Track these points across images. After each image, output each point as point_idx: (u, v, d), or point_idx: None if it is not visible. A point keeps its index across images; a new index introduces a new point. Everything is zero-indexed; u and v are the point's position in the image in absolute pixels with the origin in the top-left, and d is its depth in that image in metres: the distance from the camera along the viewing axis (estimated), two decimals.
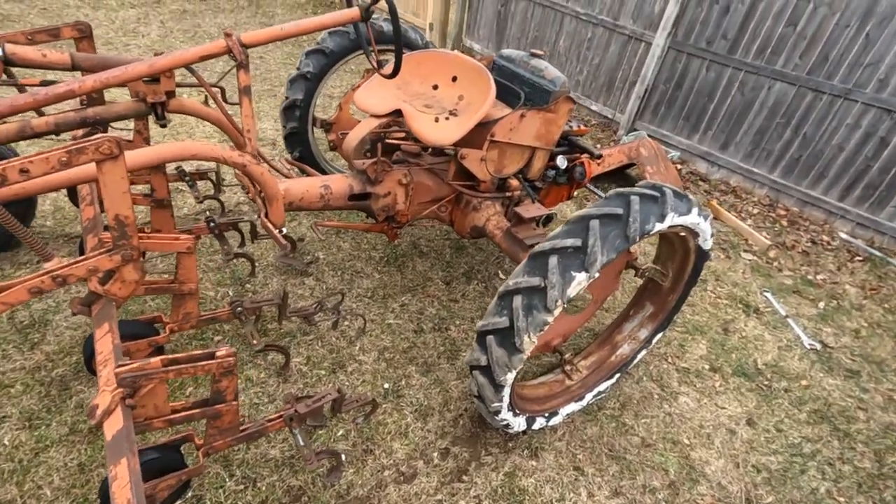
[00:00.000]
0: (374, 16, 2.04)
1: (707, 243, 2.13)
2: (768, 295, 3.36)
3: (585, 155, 2.90)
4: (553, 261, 1.65)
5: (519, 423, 2.07)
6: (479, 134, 2.31)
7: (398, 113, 2.27)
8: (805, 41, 3.94)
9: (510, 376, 1.76)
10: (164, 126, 1.94)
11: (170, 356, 1.29)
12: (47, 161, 1.18)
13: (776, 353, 2.92)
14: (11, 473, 1.75)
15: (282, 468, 1.90)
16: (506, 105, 2.48)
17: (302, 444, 1.68)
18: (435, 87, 2.48)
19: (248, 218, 2.59)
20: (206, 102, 2.07)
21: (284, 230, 2.67)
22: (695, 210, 1.90)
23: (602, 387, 2.41)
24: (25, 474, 1.75)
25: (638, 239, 1.68)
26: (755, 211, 4.34)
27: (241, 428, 1.60)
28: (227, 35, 1.63)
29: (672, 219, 1.78)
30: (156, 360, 1.26)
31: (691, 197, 1.90)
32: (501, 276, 3.11)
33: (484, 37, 6.56)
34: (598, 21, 5.15)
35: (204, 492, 1.78)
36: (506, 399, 1.87)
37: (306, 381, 2.25)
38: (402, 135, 2.49)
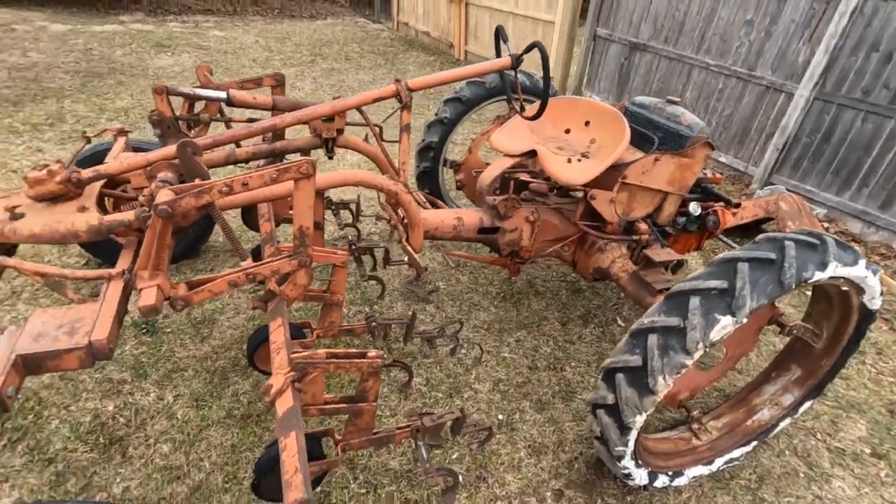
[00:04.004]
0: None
1: (874, 302, 1.91)
2: None
3: (720, 204, 2.77)
4: (695, 301, 1.59)
5: (641, 476, 1.95)
6: (611, 176, 2.34)
7: (531, 154, 2.40)
8: None
9: (639, 419, 1.69)
10: (330, 158, 2.27)
11: (331, 350, 1.47)
12: (262, 177, 1.45)
13: None
14: (181, 444, 2.04)
15: (400, 479, 1.98)
16: (637, 150, 2.50)
17: (424, 457, 1.75)
18: (567, 131, 2.58)
19: (382, 245, 2.84)
20: (365, 139, 2.38)
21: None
22: (862, 262, 1.72)
23: (735, 453, 2.19)
24: (191, 446, 2.03)
25: (794, 286, 1.57)
26: None
27: (374, 431, 1.72)
28: (397, 81, 1.89)
29: (835, 268, 1.64)
30: (321, 351, 1.44)
31: (856, 248, 1.74)
32: (620, 322, 3.01)
33: (604, 89, 6.64)
34: (731, 72, 4.98)
35: (331, 489, 1.92)
36: (631, 444, 1.79)
37: (425, 401, 2.34)
38: (533, 175, 2.60)
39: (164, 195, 1.40)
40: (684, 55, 5.41)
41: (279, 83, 2.33)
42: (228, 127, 2.38)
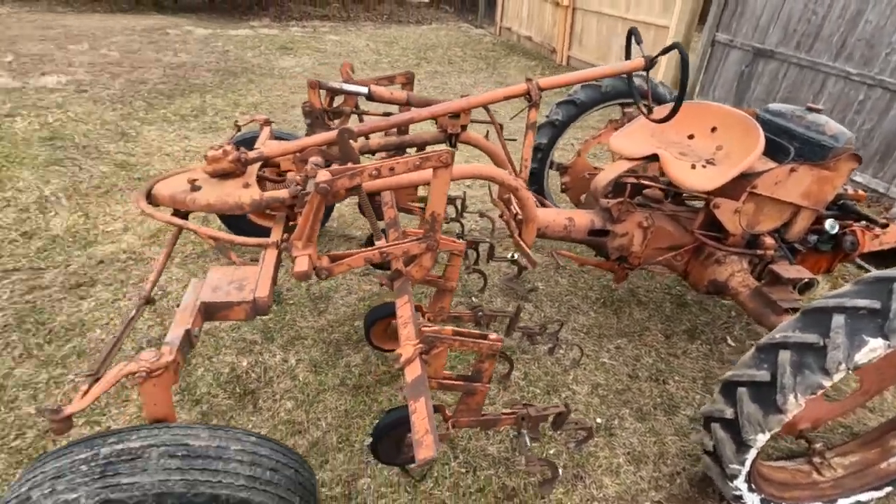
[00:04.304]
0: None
1: None
2: None
3: (861, 223, 2.53)
4: (839, 319, 1.49)
5: (753, 501, 1.84)
6: (738, 185, 2.23)
7: (652, 158, 2.36)
8: None
9: (761, 438, 1.61)
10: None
11: (456, 328, 1.56)
12: (407, 163, 1.59)
13: None
14: (301, 403, 2.26)
15: (498, 465, 2.04)
16: (769, 159, 2.36)
17: (527, 445, 1.79)
18: (691, 137, 2.50)
19: (488, 240, 2.92)
20: (486, 136, 2.48)
21: (516, 256, 2.94)
22: None
23: (863, 496, 2.00)
24: (310, 406, 2.24)
25: None
26: None
27: (482, 413, 1.80)
28: (528, 80, 1.96)
29: None
30: (448, 328, 1.54)
31: None
32: (730, 342, 2.85)
33: (719, 97, 6.25)
34: (875, 82, 4.48)
35: (433, 463, 2.02)
36: (747, 465, 1.70)
37: (522, 395, 2.38)
38: (649, 180, 2.55)
39: (322, 175, 1.58)
40: (819, 62, 4.95)
41: (409, 81, 2.50)
42: (361, 120, 2.60)
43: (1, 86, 5.70)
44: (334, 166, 1.66)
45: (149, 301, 1.71)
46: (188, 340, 1.43)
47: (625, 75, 2.41)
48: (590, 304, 3.05)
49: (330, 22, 11.87)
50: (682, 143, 2.49)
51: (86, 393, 1.29)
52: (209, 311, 1.53)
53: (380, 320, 2.31)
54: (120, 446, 1.17)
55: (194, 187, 1.93)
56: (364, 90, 2.15)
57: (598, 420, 2.29)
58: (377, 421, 1.79)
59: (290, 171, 2.29)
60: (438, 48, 10.02)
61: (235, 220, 3.15)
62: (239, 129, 2.76)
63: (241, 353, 2.49)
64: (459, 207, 3.33)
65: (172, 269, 3.07)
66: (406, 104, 2.28)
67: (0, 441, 2.01)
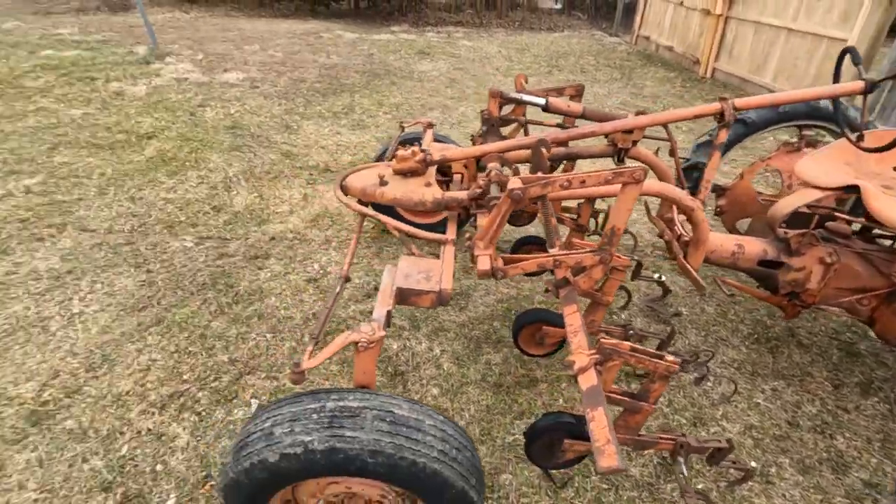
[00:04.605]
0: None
1: None
2: None
3: None
4: None
5: None
6: None
7: (849, 189, 2.14)
8: None
9: None
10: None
11: (634, 345, 1.57)
12: (598, 177, 1.62)
13: None
14: (446, 391, 2.40)
15: (641, 489, 2.00)
16: None
17: (685, 474, 1.74)
18: None
19: (634, 258, 2.85)
20: (656, 153, 2.43)
21: (664, 278, 2.83)
22: None
23: None
24: (454, 395, 2.37)
25: None
26: None
27: (639, 433, 1.78)
28: (723, 99, 1.89)
29: None
30: (626, 343, 1.56)
31: None
32: None
33: None
34: None
35: (576, 474, 2.04)
36: None
37: (666, 421, 2.30)
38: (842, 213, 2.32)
39: (515, 182, 1.67)
40: None
41: (579, 93, 2.53)
42: (526, 132, 2.68)
43: (194, 80, 6.72)
44: (524, 174, 1.75)
45: (347, 279, 1.93)
46: (388, 319, 1.60)
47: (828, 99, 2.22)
48: (741, 339, 2.84)
49: (463, 28, 12.26)
50: (885, 174, 2.23)
51: (312, 354, 1.50)
52: (403, 296, 1.70)
53: (528, 325, 2.38)
54: (341, 403, 1.35)
55: (382, 182, 2.14)
56: (541, 101, 2.22)
57: (753, 464, 2.14)
58: (534, 421, 1.85)
59: (459, 173, 2.45)
60: (570, 56, 9.90)
61: (385, 212, 3.42)
62: (403, 130, 2.99)
63: (391, 337, 2.70)
64: (601, 222, 3.29)
65: (331, 253, 3.42)
66: (581, 116, 2.31)
67: (203, 381, 2.40)
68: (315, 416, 1.32)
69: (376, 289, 3.07)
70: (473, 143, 2.68)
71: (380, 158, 3.09)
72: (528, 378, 2.48)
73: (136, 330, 2.67)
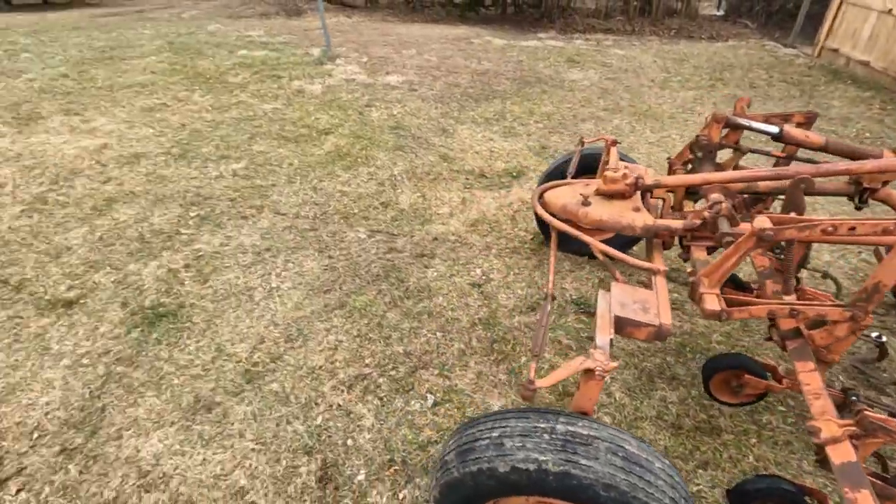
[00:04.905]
0: None
1: None
2: None
3: None
4: None
5: None
6: None
7: None
8: None
9: None
10: (858, 209, 2.09)
11: None
12: (874, 226, 1.43)
13: None
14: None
15: None
16: None
17: None
18: None
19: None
20: None
21: (884, 338, 2.44)
22: None
23: None
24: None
25: None
26: None
27: None
28: None
29: None
30: (894, 421, 1.36)
31: None
32: None
33: None
34: None
35: None
36: None
37: None
38: None
39: (764, 222, 1.54)
40: None
41: (809, 121, 2.27)
42: (737, 166, 2.47)
43: (360, 81, 7.30)
44: (775, 213, 1.60)
45: (553, 297, 1.95)
46: (610, 346, 1.57)
47: None
48: None
49: (613, 35, 11.79)
50: None
51: (537, 371, 1.53)
52: (619, 325, 1.65)
53: (721, 371, 2.20)
54: (571, 428, 1.35)
55: (585, 202, 2.11)
56: (774, 130, 2.02)
57: None
58: (743, 480, 1.70)
59: (661, 198, 2.33)
60: (737, 69, 9.01)
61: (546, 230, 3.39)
62: (583, 145, 2.93)
63: (557, 355, 2.67)
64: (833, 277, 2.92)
65: (492, 259, 3.48)
66: (823, 149, 2.07)
67: (383, 368, 2.58)
68: (546, 436, 1.34)
69: (538, 301, 3.06)
70: (671, 168, 2.54)
71: (555, 174, 3.06)
72: (709, 425, 2.30)
73: (324, 310, 2.96)
